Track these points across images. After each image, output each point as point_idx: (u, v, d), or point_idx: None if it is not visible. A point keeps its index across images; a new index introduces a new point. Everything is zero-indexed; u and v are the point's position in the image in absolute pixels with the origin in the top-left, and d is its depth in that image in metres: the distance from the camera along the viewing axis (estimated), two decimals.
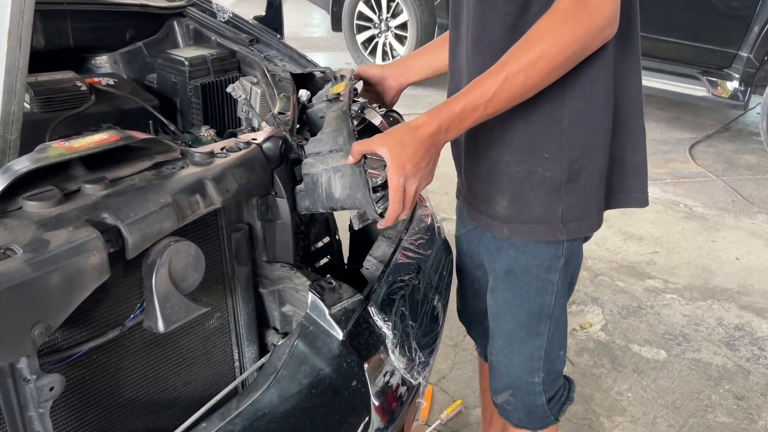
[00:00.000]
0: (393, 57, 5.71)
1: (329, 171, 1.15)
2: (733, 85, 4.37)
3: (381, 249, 1.42)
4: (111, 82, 1.52)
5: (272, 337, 1.33)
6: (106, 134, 1.06)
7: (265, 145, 1.19)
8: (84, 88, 1.39)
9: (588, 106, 1.12)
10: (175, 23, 1.77)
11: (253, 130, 1.31)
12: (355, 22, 5.81)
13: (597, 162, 1.16)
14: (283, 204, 1.22)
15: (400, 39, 5.62)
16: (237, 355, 1.28)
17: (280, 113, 1.35)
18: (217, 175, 1.07)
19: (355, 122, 1.20)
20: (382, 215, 1.08)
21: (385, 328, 1.17)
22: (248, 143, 1.18)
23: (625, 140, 1.21)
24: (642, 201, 1.26)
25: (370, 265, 1.38)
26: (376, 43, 5.80)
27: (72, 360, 0.97)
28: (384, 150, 1.03)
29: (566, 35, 1.00)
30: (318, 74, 1.56)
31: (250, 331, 1.27)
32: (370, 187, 1.07)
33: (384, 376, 1.16)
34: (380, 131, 1.44)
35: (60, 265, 0.83)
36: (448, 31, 1.39)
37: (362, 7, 5.72)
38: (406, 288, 1.27)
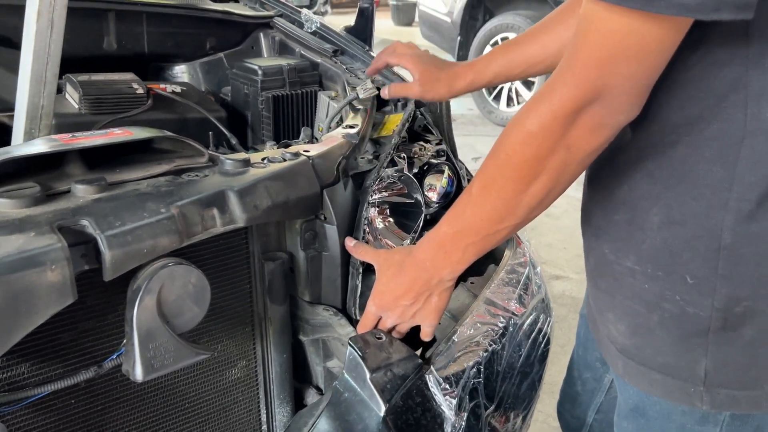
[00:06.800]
0: (519, 103, 5.41)
1: None
2: None
3: (459, 299, 1.14)
4: (177, 89, 1.37)
5: (313, 398, 1.07)
6: (120, 129, 0.88)
7: (317, 159, 0.96)
8: (140, 91, 1.25)
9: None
10: (261, 35, 1.62)
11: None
12: None
13: None
14: (332, 232, 0.97)
15: (528, 84, 5.32)
16: (265, 416, 1.03)
17: (349, 126, 1.13)
18: (245, 188, 0.84)
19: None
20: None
21: (445, 406, 0.87)
22: (296, 154, 0.96)
23: None
24: None
25: (441, 319, 1.10)
26: (501, 88, 5.54)
27: (33, 402, 0.77)
28: (375, 265, 0.92)
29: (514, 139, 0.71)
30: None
31: (283, 388, 1.02)
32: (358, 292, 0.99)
33: None
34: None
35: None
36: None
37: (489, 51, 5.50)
38: (484, 354, 0.97)
